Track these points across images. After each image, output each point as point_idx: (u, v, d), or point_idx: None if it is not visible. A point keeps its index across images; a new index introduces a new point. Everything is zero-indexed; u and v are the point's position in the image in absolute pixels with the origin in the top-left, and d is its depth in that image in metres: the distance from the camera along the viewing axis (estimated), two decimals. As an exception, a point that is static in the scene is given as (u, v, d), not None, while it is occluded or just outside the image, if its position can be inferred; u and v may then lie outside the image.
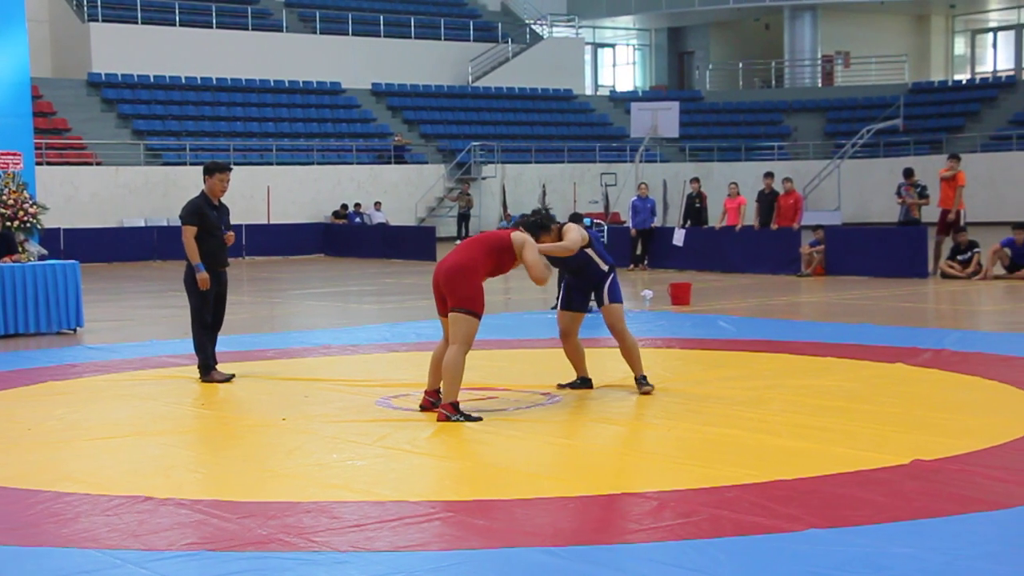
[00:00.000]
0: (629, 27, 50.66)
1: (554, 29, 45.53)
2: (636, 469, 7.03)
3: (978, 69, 48.91)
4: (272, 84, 37.96)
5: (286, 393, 9.50)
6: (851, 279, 19.57)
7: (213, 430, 8.52)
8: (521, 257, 8.38)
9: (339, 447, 7.48)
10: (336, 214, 33.11)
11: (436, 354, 8.49)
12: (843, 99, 44.12)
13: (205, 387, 9.92)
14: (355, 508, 6.00)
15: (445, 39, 41.64)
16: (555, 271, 8.98)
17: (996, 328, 13.59)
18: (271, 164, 34.13)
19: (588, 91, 46.88)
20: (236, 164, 28.43)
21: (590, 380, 9.42)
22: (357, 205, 33.26)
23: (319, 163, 34.95)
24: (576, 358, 9.41)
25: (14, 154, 14.95)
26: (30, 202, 14.68)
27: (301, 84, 38.38)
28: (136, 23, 36.50)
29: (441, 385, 8.30)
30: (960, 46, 49.93)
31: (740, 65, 47.77)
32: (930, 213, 20.95)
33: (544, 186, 34.28)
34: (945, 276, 19.21)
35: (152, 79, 35.81)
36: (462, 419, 8.07)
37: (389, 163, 36.12)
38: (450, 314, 8.23)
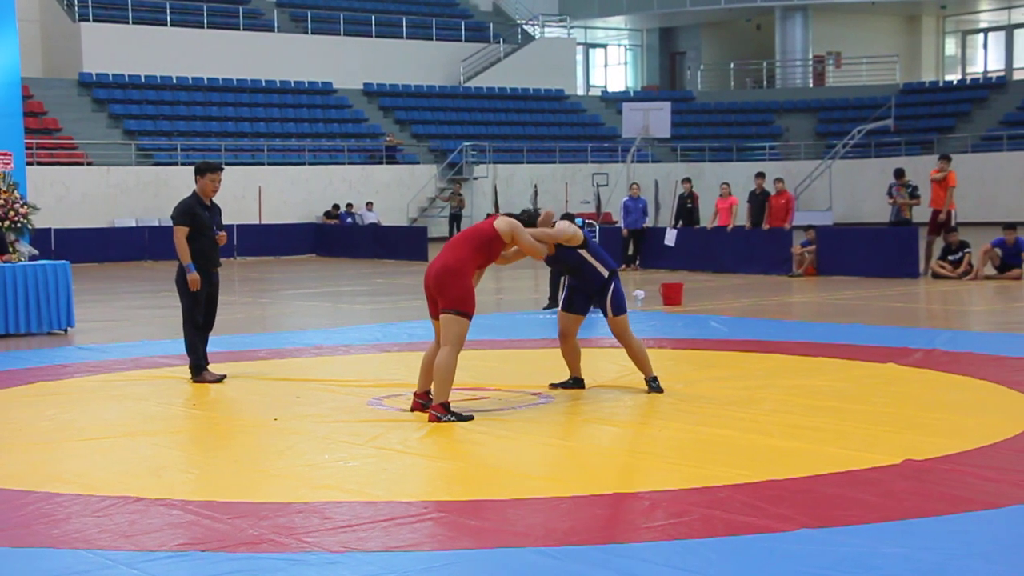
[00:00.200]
0: (621, 27, 50.72)
1: (546, 29, 45.55)
2: (628, 469, 7.04)
3: (969, 70, 49.03)
4: (263, 84, 37.92)
5: (278, 393, 9.49)
6: (842, 279, 19.59)
7: (205, 431, 8.52)
8: (516, 241, 8.50)
9: (331, 447, 7.47)
10: (328, 214, 33.09)
11: (427, 356, 8.48)
12: (834, 99, 44.19)
13: (197, 387, 9.90)
14: (347, 508, 6.00)
15: (437, 39, 41.62)
16: (550, 249, 8.98)
17: (987, 328, 13.63)
18: (263, 164, 34.10)
19: (580, 91, 46.89)
20: (227, 164, 28.44)
21: (582, 380, 9.44)
22: (349, 205, 33.25)
23: (311, 163, 34.93)
24: (571, 358, 9.44)
25: (4, 154, 14.91)
26: (21, 202, 14.66)
27: (292, 84, 38.35)
28: (127, 23, 36.43)
29: (432, 386, 8.31)
30: (951, 47, 50.04)
31: (731, 65, 47.84)
32: (921, 213, 20.98)
33: (536, 186, 34.31)
34: (936, 276, 19.25)
35: (143, 79, 35.75)
36: (453, 419, 8.07)
37: (381, 163, 36.11)
38: (441, 315, 8.25)
